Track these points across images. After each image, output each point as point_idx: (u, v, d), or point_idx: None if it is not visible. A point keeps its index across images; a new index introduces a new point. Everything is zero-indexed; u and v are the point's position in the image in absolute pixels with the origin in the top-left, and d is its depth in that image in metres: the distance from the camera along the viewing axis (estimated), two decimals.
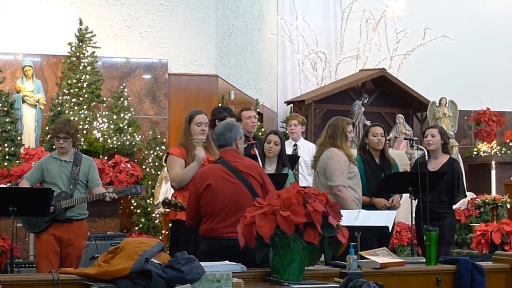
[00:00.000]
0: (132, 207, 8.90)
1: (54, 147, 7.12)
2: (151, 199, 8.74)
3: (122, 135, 8.96)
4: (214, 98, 9.76)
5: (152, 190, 8.71)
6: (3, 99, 8.69)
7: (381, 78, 12.43)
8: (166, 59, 9.73)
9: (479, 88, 13.17)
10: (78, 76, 9.08)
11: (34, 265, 6.78)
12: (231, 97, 10.29)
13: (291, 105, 12.31)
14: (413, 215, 6.62)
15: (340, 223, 3.89)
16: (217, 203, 4.64)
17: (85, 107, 9.04)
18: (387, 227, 5.05)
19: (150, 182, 8.90)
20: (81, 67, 9.14)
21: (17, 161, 8.43)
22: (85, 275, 3.65)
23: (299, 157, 7.82)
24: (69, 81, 9.10)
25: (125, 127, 9.07)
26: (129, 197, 8.53)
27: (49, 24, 9.34)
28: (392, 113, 12.77)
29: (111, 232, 8.25)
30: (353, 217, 5.04)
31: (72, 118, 8.04)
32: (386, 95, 12.83)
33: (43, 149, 8.58)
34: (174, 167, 5.68)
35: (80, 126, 8.51)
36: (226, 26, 10.59)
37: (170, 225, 6.12)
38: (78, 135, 6.29)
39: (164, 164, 6.15)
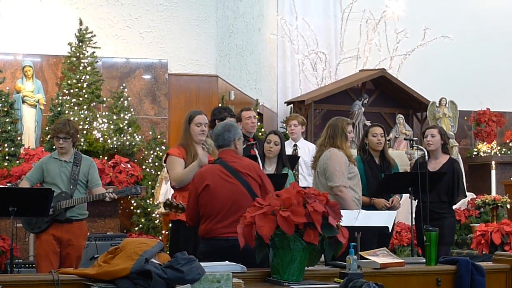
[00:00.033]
0: (132, 207, 8.90)
1: (54, 147, 7.12)
2: (151, 199, 8.74)
3: (122, 135, 8.96)
4: (214, 98, 9.76)
5: (152, 191, 8.72)
6: (3, 99, 8.69)
7: (381, 78, 12.43)
8: (166, 59, 9.73)
9: (479, 88, 13.17)
10: (78, 76, 9.08)
11: (34, 265, 6.78)
12: (231, 97, 10.29)
13: (291, 105, 12.31)
14: (413, 215, 6.61)
15: (340, 223, 3.89)
16: (215, 203, 4.64)
17: (85, 107, 9.04)
18: (387, 228, 5.05)
19: (150, 183, 8.90)
20: (81, 67, 9.14)
21: (17, 162, 8.43)
22: (85, 275, 3.65)
23: (299, 157, 7.82)
24: (69, 81, 9.10)
25: (125, 127, 9.07)
26: (129, 197, 8.53)
27: (49, 24, 9.34)
28: (392, 113, 12.77)
29: (111, 232, 8.25)
30: (353, 217, 5.04)
31: (72, 118, 8.04)
32: (386, 95, 12.83)
33: (43, 149, 8.58)
34: (174, 167, 5.69)
35: (80, 126, 8.51)
36: (226, 26, 10.59)
37: (170, 225, 6.12)
38: (78, 135, 6.29)
39: (164, 165, 6.15)
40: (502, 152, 12.63)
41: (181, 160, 5.69)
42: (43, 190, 5.71)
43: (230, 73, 10.66)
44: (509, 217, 9.52)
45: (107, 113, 9.16)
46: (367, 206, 6.30)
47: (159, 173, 8.68)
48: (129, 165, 8.75)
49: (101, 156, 8.81)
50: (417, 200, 6.70)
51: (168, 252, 5.33)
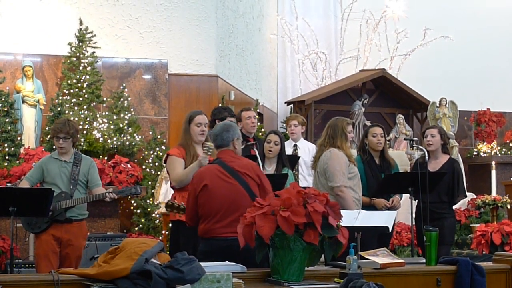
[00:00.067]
0: (132, 208, 8.90)
1: (54, 147, 7.12)
2: (151, 199, 8.74)
3: (122, 135, 8.96)
4: (214, 98, 9.76)
5: (152, 191, 8.72)
6: (3, 99, 8.69)
7: (381, 78, 12.43)
8: (166, 59, 9.72)
9: (479, 88, 13.17)
10: (78, 76, 9.08)
11: (34, 265, 6.77)
12: (231, 97, 10.29)
13: (291, 105, 12.30)
14: (413, 215, 6.61)
15: (340, 223, 3.89)
16: (213, 203, 4.64)
17: (85, 107, 9.04)
18: (387, 228, 5.05)
19: (150, 183, 8.89)
20: (81, 67, 9.14)
21: (17, 161, 8.43)
22: (85, 275, 3.65)
23: (299, 157, 7.82)
24: (69, 81, 9.09)
25: (125, 127, 9.07)
26: (129, 197, 8.52)
27: (49, 24, 9.33)
28: (392, 114, 12.77)
29: (111, 233, 8.24)
30: (353, 217, 5.04)
31: (72, 118, 8.03)
32: (386, 96, 12.83)
33: (43, 149, 8.58)
34: (175, 167, 5.69)
35: (80, 126, 8.50)
36: (226, 26, 10.59)
37: (170, 225, 6.12)
38: (78, 135, 6.29)
39: (164, 165, 6.15)
40: (502, 152, 12.63)
41: (181, 160, 5.69)
42: (43, 190, 5.71)
43: (230, 73, 10.65)
44: (509, 217, 9.52)
45: (107, 113, 9.15)
46: (367, 206, 6.29)
47: (159, 173, 8.68)
48: (129, 165, 8.74)
49: (101, 156, 8.80)
50: (417, 200, 6.70)
51: (168, 252, 5.33)
